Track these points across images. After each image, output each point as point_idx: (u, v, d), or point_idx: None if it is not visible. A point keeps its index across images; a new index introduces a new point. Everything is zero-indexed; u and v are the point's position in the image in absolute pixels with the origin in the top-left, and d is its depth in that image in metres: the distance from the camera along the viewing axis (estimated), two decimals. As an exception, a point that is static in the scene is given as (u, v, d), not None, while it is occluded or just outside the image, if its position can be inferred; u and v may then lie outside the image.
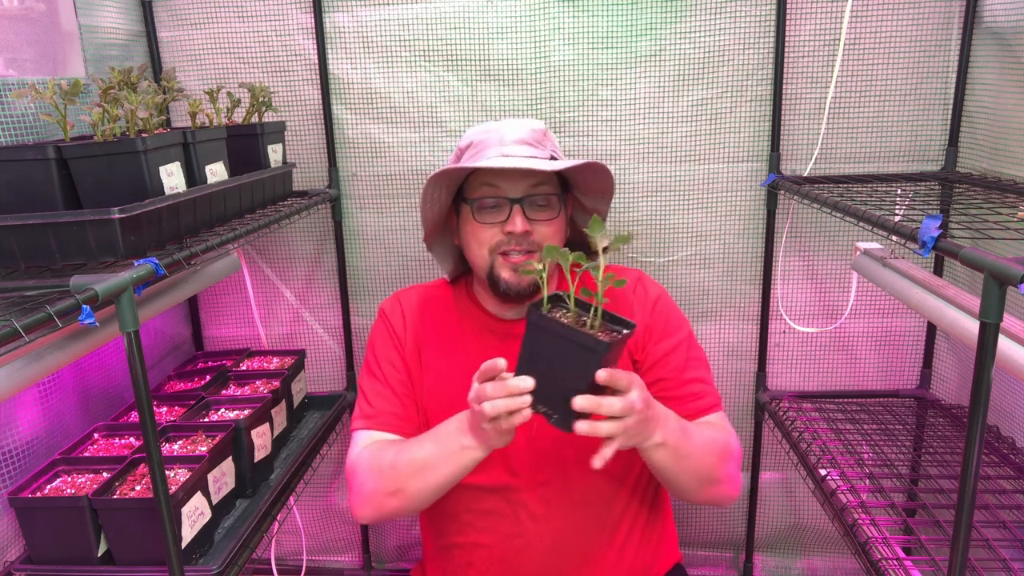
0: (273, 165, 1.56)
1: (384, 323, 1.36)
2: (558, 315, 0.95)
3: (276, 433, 1.57)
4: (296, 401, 1.74)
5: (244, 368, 1.74)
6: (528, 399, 0.94)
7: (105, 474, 1.24)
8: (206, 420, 1.45)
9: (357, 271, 1.88)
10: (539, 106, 1.72)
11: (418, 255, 1.85)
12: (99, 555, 1.18)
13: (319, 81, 1.74)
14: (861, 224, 1.19)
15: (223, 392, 1.60)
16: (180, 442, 1.35)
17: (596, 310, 0.94)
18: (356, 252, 1.86)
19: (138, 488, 1.19)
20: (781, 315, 1.81)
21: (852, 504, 1.31)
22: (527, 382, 0.94)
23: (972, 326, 1.07)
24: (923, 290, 1.26)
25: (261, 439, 1.47)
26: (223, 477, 1.34)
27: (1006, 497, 1.32)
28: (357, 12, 1.69)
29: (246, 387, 1.63)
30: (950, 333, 1.22)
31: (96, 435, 1.38)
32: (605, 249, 0.93)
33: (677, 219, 1.77)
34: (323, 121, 1.76)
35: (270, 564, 1.98)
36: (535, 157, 1.21)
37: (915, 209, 1.28)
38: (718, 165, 1.73)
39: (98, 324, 0.89)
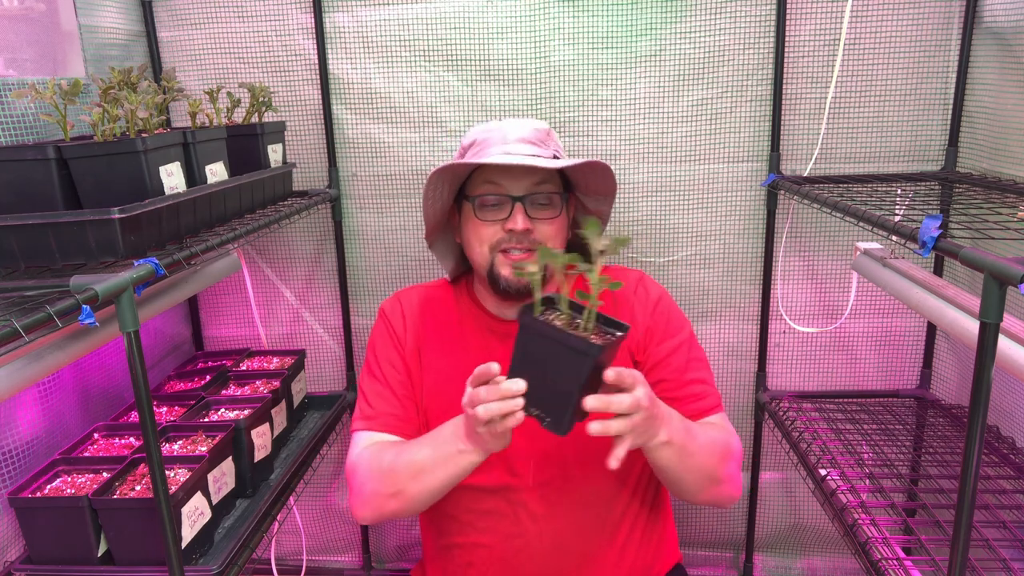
0: (273, 165, 1.56)
1: (384, 323, 1.36)
2: (552, 317, 0.94)
3: (276, 433, 1.57)
4: (296, 401, 1.74)
5: (244, 368, 1.74)
6: (520, 402, 0.94)
7: (105, 474, 1.24)
8: (206, 420, 1.45)
9: (357, 271, 1.88)
10: (539, 106, 1.72)
11: (418, 255, 1.85)
12: (99, 555, 1.18)
13: (319, 81, 1.74)
14: (861, 224, 1.19)
15: (223, 392, 1.60)
16: (180, 442, 1.35)
17: (589, 312, 0.93)
18: (356, 252, 1.86)
19: (138, 488, 1.19)
20: (781, 315, 1.81)
21: (852, 504, 1.31)
22: (519, 385, 0.94)
23: (972, 326, 1.07)
24: (923, 290, 1.26)
25: (261, 439, 1.47)
26: (223, 477, 1.34)
27: (1006, 497, 1.32)
28: (357, 12, 1.69)
29: (246, 387, 1.63)
30: (950, 333, 1.22)
31: (96, 435, 1.38)
32: (602, 252, 0.92)
33: (677, 219, 1.77)
34: (323, 121, 1.76)
35: (270, 564, 1.98)
36: (538, 156, 1.21)
37: (915, 209, 1.28)
38: (718, 165, 1.73)
39: (98, 324, 0.89)
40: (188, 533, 1.18)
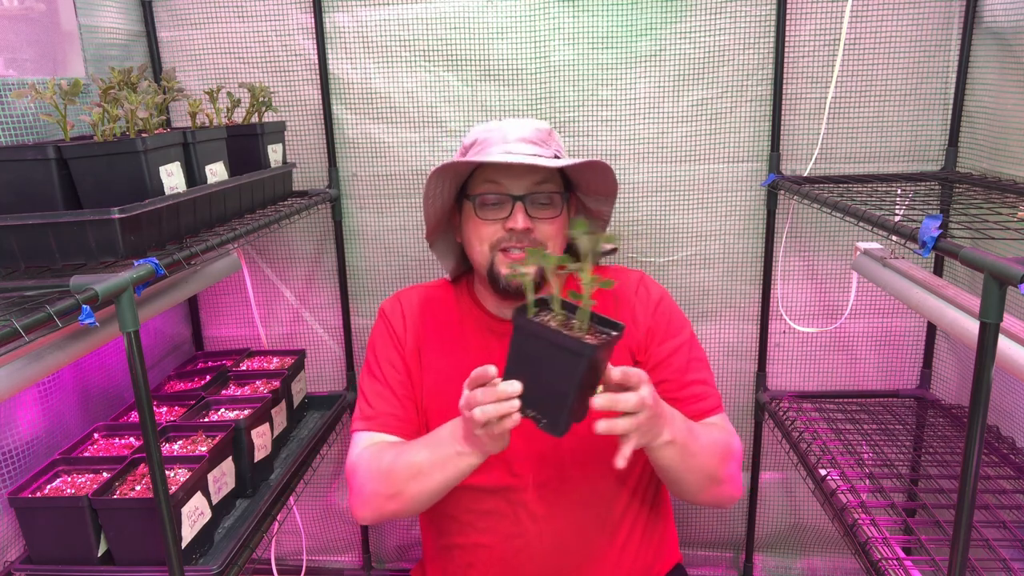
0: (273, 165, 1.56)
1: (384, 323, 1.36)
2: (546, 319, 0.94)
3: (276, 433, 1.57)
4: (296, 401, 1.74)
5: (244, 368, 1.74)
6: (516, 403, 0.94)
7: (105, 474, 1.24)
8: (206, 420, 1.45)
9: (357, 271, 1.88)
10: (539, 106, 1.72)
11: (418, 255, 1.85)
12: (99, 555, 1.18)
13: (319, 81, 1.74)
14: (861, 224, 1.19)
15: (223, 392, 1.60)
16: (180, 442, 1.35)
17: (583, 312, 0.92)
18: (356, 252, 1.86)
19: (138, 488, 1.19)
20: (781, 315, 1.81)
21: (852, 504, 1.31)
22: (514, 386, 0.94)
23: (972, 326, 1.07)
24: (923, 290, 1.26)
25: (261, 439, 1.47)
26: (223, 477, 1.34)
27: (1006, 497, 1.32)
28: (357, 12, 1.69)
29: (246, 387, 1.63)
30: (950, 333, 1.22)
31: (96, 435, 1.38)
32: (605, 253, 0.92)
33: (677, 219, 1.77)
34: (323, 121, 1.76)
35: (270, 564, 1.98)
36: (539, 156, 1.21)
37: (915, 209, 1.28)
38: (718, 165, 1.73)
39: (98, 324, 0.89)
40: (188, 533, 1.18)
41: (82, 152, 1.06)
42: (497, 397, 0.94)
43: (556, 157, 1.25)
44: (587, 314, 0.92)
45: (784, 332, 1.84)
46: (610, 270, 1.38)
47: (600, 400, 0.95)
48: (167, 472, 1.20)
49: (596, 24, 1.66)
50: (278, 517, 1.48)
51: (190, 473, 1.21)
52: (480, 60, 1.70)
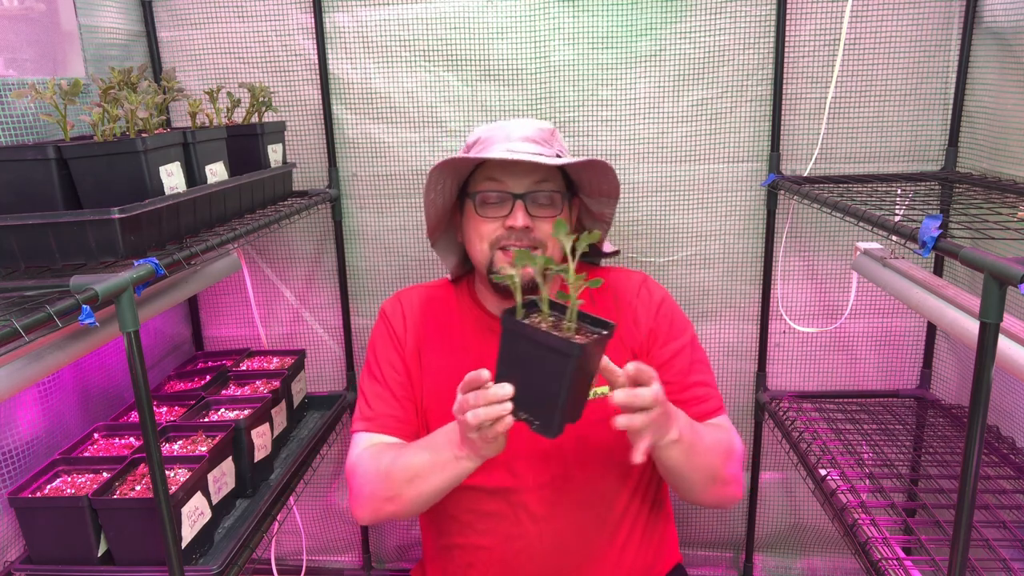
0: (273, 165, 1.56)
1: (385, 324, 1.36)
2: (537, 320, 0.94)
3: (276, 433, 1.57)
4: (296, 401, 1.74)
5: (244, 368, 1.74)
6: (508, 406, 0.94)
7: (105, 474, 1.24)
8: (206, 420, 1.45)
9: (357, 271, 1.88)
10: (539, 106, 1.72)
11: (418, 255, 1.85)
12: (99, 555, 1.18)
13: (319, 81, 1.74)
14: (861, 224, 1.19)
15: (223, 392, 1.60)
16: (180, 442, 1.35)
17: (571, 312, 0.92)
18: (356, 252, 1.86)
19: (138, 488, 1.19)
20: (781, 315, 1.81)
21: (852, 504, 1.31)
22: (505, 389, 0.94)
23: (972, 326, 1.07)
24: (923, 290, 1.26)
25: (261, 439, 1.47)
26: (223, 477, 1.34)
27: (1006, 497, 1.32)
28: (357, 12, 1.69)
29: (246, 387, 1.63)
30: (950, 333, 1.22)
31: (96, 435, 1.38)
32: (574, 251, 0.92)
33: (677, 219, 1.77)
34: (323, 121, 1.76)
35: (270, 564, 1.98)
36: (540, 155, 1.21)
37: (915, 209, 1.28)
38: (718, 165, 1.73)
39: (98, 324, 0.89)
40: (188, 533, 1.18)
41: (82, 152, 1.06)
42: (488, 400, 0.94)
43: (558, 157, 1.25)
44: (575, 314, 0.92)
45: (784, 332, 1.84)
46: (612, 271, 1.38)
47: (620, 396, 0.96)
48: (167, 472, 1.20)
49: (596, 24, 1.66)
50: (278, 517, 1.48)
51: (190, 473, 1.21)
52: (480, 60, 1.70)
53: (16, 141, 1.28)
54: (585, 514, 1.24)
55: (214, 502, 1.28)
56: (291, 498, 1.57)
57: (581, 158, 1.19)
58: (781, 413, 1.73)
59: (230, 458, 1.37)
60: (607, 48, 1.67)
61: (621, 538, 1.26)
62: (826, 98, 1.66)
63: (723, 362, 1.86)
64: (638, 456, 0.99)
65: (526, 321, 0.92)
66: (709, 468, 1.15)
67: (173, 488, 1.14)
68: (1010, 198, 1.29)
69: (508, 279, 0.95)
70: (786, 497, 1.96)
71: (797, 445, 1.57)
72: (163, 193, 1.13)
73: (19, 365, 1.01)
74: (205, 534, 1.25)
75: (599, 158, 1.19)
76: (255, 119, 1.55)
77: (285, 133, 1.66)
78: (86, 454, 1.33)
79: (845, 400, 1.81)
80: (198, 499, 1.22)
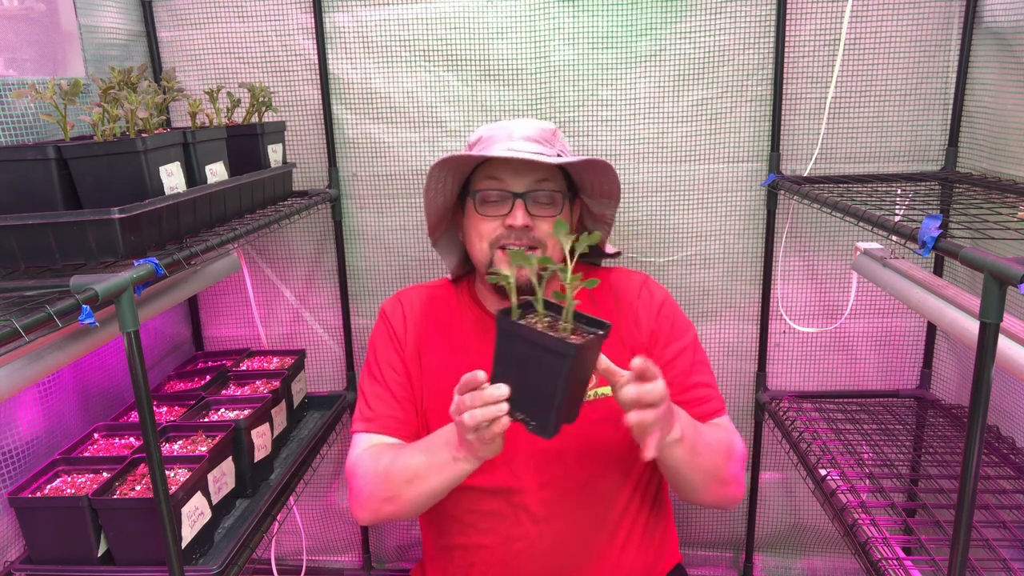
0: (273, 165, 1.56)
1: (385, 324, 1.36)
2: (533, 321, 0.93)
3: (276, 433, 1.57)
4: (296, 401, 1.74)
5: (244, 368, 1.74)
6: (504, 407, 0.94)
7: (105, 474, 1.24)
8: (206, 420, 1.45)
9: (357, 271, 1.88)
10: (539, 106, 1.72)
11: (418, 255, 1.85)
12: (99, 555, 1.18)
13: (319, 81, 1.74)
14: (861, 224, 1.19)
15: (223, 392, 1.60)
16: (180, 442, 1.35)
17: (567, 312, 0.91)
18: (356, 252, 1.86)
19: (138, 488, 1.19)
20: (781, 315, 1.81)
21: (852, 504, 1.31)
22: (501, 390, 0.93)
23: (972, 326, 1.07)
24: (923, 290, 1.26)
25: (261, 439, 1.47)
26: (223, 477, 1.34)
27: (1006, 497, 1.32)
28: (357, 12, 1.69)
29: (246, 387, 1.63)
30: (950, 333, 1.22)
31: (96, 435, 1.38)
32: (572, 251, 0.92)
33: (677, 219, 1.77)
34: (323, 121, 1.76)
35: (270, 564, 1.98)
36: (541, 154, 1.21)
37: (915, 209, 1.28)
38: (718, 165, 1.73)
39: (98, 324, 0.89)
40: (188, 533, 1.18)
41: (82, 152, 1.06)
42: (484, 401, 0.94)
43: (559, 157, 1.25)
44: (571, 313, 0.91)
45: (784, 332, 1.84)
46: (613, 272, 1.38)
47: (630, 391, 0.95)
48: (167, 472, 1.20)
49: (596, 24, 1.66)
50: (278, 517, 1.48)
51: (190, 473, 1.21)
52: (480, 60, 1.70)
53: (16, 141, 1.28)
54: (585, 514, 1.24)
55: (214, 502, 1.28)
56: (291, 498, 1.57)
57: (581, 157, 1.19)
58: (781, 413, 1.73)
59: (230, 458, 1.37)
60: (607, 48, 1.67)
61: (621, 538, 1.26)
62: (826, 98, 1.66)
63: (723, 362, 1.86)
64: (650, 452, 0.98)
65: (522, 322, 0.91)
66: (711, 468, 1.15)
67: (173, 488, 1.14)
68: (1010, 198, 1.29)
69: (503, 279, 0.94)
70: (786, 497, 1.96)
71: (797, 445, 1.57)
72: (163, 193, 1.13)
73: (19, 365, 1.01)
74: (205, 534, 1.25)
75: (600, 157, 1.19)
76: (255, 119, 1.55)
77: (285, 133, 1.66)
78: (86, 454, 1.33)
79: (845, 400, 1.81)
80: (198, 499, 1.22)
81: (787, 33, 1.63)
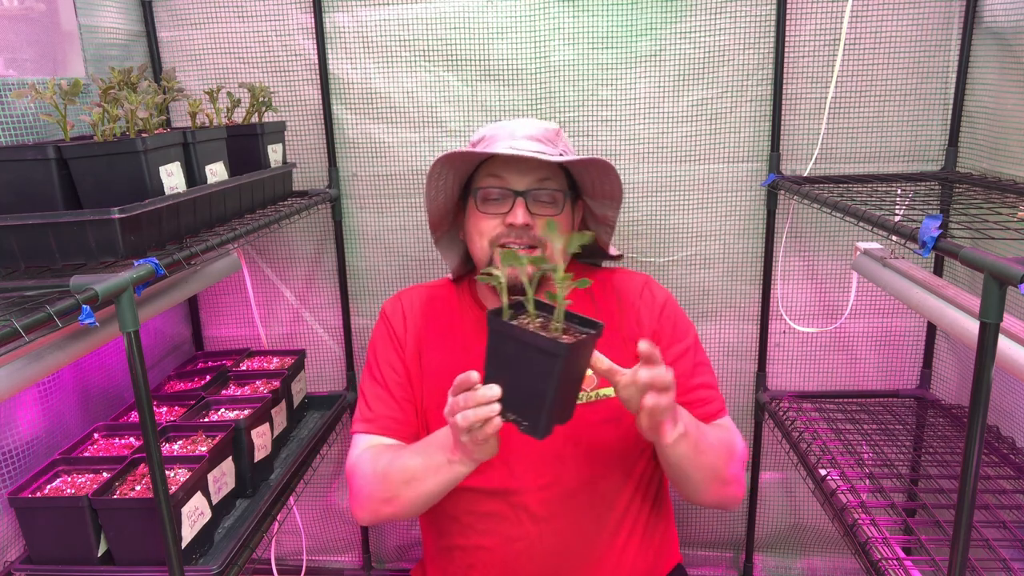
0: (273, 165, 1.56)
1: (385, 324, 1.36)
2: (524, 321, 0.93)
3: (276, 433, 1.57)
4: (296, 401, 1.74)
5: (244, 368, 1.74)
6: (496, 407, 0.93)
7: (105, 474, 1.24)
8: (206, 420, 1.45)
9: (357, 271, 1.88)
10: (539, 106, 1.72)
11: (418, 255, 1.85)
12: (99, 555, 1.18)
13: (319, 81, 1.74)
14: (861, 224, 1.19)
15: (223, 392, 1.60)
16: (180, 442, 1.35)
17: (558, 312, 0.91)
18: (356, 252, 1.86)
19: (138, 488, 1.19)
20: (781, 315, 1.81)
21: (852, 504, 1.31)
22: (493, 390, 0.93)
23: (972, 326, 1.07)
24: (923, 290, 1.26)
25: (261, 439, 1.47)
26: (223, 477, 1.34)
27: (1006, 497, 1.32)
28: (357, 12, 1.69)
29: (246, 387, 1.63)
30: (950, 333, 1.22)
31: (96, 435, 1.38)
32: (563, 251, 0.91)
33: (677, 219, 1.77)
34: (323, 121, 1.76)
35: (270, 564, 1.98)
36: (543, 153, 1.20)
37: (915, 209, 1.28)
38: (718, 165, 1.73)
39: (98, 324, 0.89)
40: (188, 533, 1.18)
41: (82, 152, 1.06)
42: (476, 402, 0.94)
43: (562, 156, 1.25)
44: (563, 313, 0.91)
45: (784, 332, 1.84)
46: (615, 273, 1.38)
47: (644, 374, 0.95)
48: (167, 472, 1.20)
49: (596, 24, 1.66)
50: (278, 517, 1.48)
51: (190, 473, 1.21)
52: (480, 60, 1.70)
53: (16, 141, 1.28)
54: (586, 515, 1.24)
55: (214, 502, 1.28)
56: (291, 498, 1.57)
57: (582, 156, 1.19)
58: (781, 413, 1.73)
59: (230, 458, 1.37)
60: (607, 48, 1.67)
61: (622, 539, 1.26)
62: (826, 98, 1.66)
63: (723, 362, 1.86)
64: (671, 435, 1.00)
65: (514, 322, 0.91)
66: (713, 466, 1.15)
67: (173, 488, 1.14)
68: (1010, 198, 1.29)
69: (494, 280, 0.94)
70: (786, 497, 1.96)
71: (797, 445, 1.57)
72: (163, 193, 1.13)
73: (19, 365, 1.01)
74: (205, 534, 1.25)
75: (601, 157, 1.19)
76: (255, 119, 1.55)
77: (285, 133, 1.66)
78: (86, 454, 1.33)
79: (845, 400, 1.81)
80: (198, 499, 1.22)
81: (787, 33, 1.63)
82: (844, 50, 1.62)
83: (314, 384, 1.96)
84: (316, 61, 1.73)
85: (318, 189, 1.79)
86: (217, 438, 1.34)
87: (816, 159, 1.70)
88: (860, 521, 1.26)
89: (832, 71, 1.64)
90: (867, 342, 1.83)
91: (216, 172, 1.31)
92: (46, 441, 1.35)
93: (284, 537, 2.08)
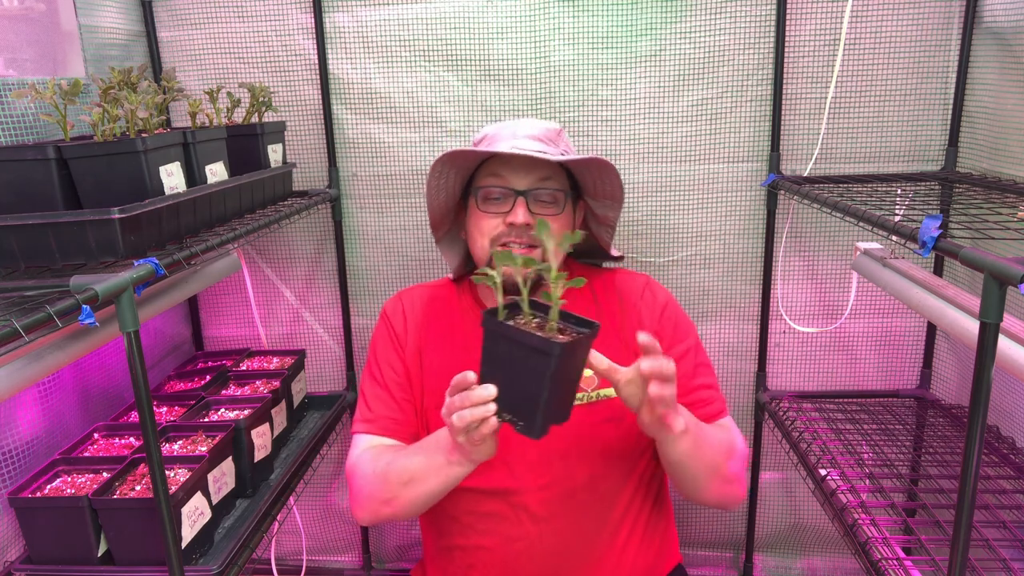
0: (273, 165, 1.56)
1: (385, 324, 1.36)
2: (520, 321, 0.92)
3: (276, 433, 1.57)
4: (296, 401, 1.74)
5: (244, 368, 1.74)
6: (492, 407, 0.93)
7: (105, 474, 1.24)
8: (206, 420, 1.45)
9: (357, 271, 1.88)
10: (539, 106, 1.72)
11: (418, 255, 1.85)
12: (99, 555, 1.18)
13: (319, 81, 1.74)
14: (861, 224, 1.19)
15: (223, 392, 1.60)
16: (180, 442, 1.35)
17: (553, 312, 0.91)
18: (356, 252, 1.86)
19: (138, 488, 1.19)
20: (781, 315, 1.81)
21: (852, 504, 1.31)
22: (488, 390, 0.93)
23: (972, 326, 1.07)
24: (923, 290, 1.26)
25: (261, 439, 1.47)
26: (223, 477, 1.34)
27: (1006, 497, 1.32)
28: (357, 12, 1.69)
29: (246, 387, 1.63)
30: (950, 333, 1.22)
31: (96, 435, 1.38)
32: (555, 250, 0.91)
33: (677, 219, 1.77)
34: (323, 121, 1.76)
35: (270, 564, 1.98)
36: (544, 152, 1.20)
37: (915, 209, 1.28)
38: (718, 165, 1.73)
39: (98, 324, 0.89)
40: (188, 533, 1.18)
41: (82, 152, 1.06)
42: (472, 402, 0.94)
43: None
44: (557, 313, 0.91)
45: (784, 332, 1.84)
46: (616, 274, 1.38)
47: (647, 364, 0.95)
48: (167, 472, 1.20)
49: (596, 24, 1.66)
50: (278, 517, 1.48)
51: (190, 473, 1.21)
52: (480, 60, 1.70)
53: (16, 141, 1.28)
54: (586, 515, 1.24)
55: (214, 502, 1.28)
56: (291, 498, 1.57)
57: (582, 156, 1.19)
58: (781, 413, 1.73)
59: (230, 458, 1.37)
60: (607, 48, 1.67)
61: (622, 539, 1.26)
62: (826, 98, 1.66)
63: (723, 362, 1.86)
64: (678, 424, 0.99)
65: (510, 322, 0.91)
66: (714, 462, 1.15)
67: (173, 488, 1.14)
68: (1010, 198, 1.29)
69: (489, 280, 0.94)
70: (786, 497, 1.96)
71: (797, 445, 1.57)
72: (163, 193, 1.13)
73: (19, 365, 1.01)
74: (205, 534, 1.25)
75: (602, 157, 1.19)
76: (255, 119, 1.55)
77: (285, 133, 1.66)
78: (86, 454, 1.33)
79: (845, 400, 1.81)
80: (198, 499, 1.22)
81: (787, 33, 1.63)
82: (844, 50, 1.62)
83: (314, 384, 1.96)
84: (316, 61, 1.73)
85: (318, 189, 1.79)
86: (217, 438, 1.34)
87: (816, 159, 1.70)
88: (860, 521, 1.26)
89: (832, 71, 1.64)
90: (867, 342, 1.83)
91: (216, 172, 1.31)
92: (46, 441, 1.35)
93: (284, 537, 2.08)
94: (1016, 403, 1.51)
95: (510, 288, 1.21)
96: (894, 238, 1.08)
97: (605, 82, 1.69)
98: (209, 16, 1.73)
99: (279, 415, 1.60)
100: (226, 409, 1.50)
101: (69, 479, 1.24)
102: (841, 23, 1.61)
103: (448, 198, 1.29)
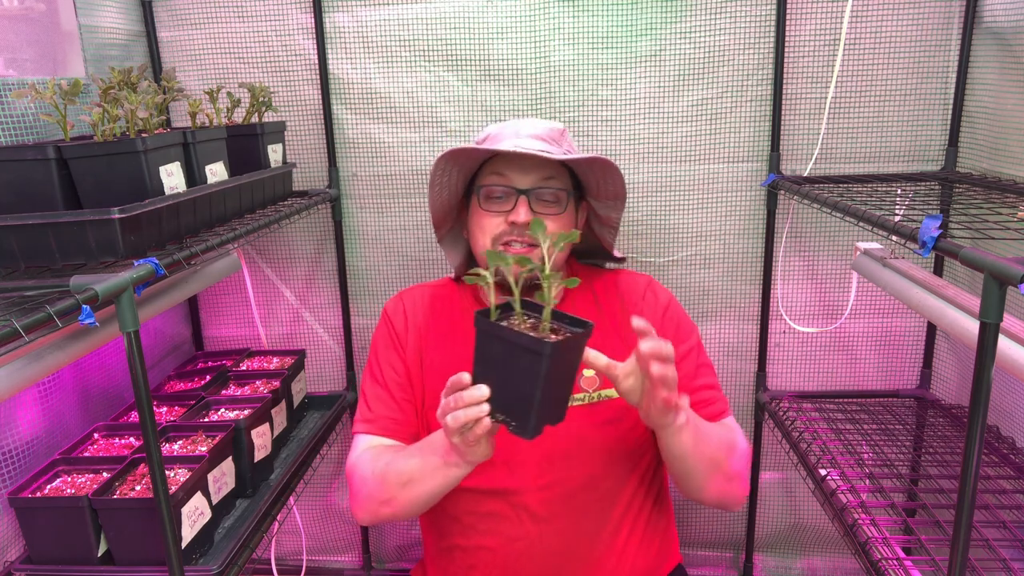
0: (273, 165, 1.56)
1: (386, 324, 1.36)
2: (514, 321, 0.92)
3: (276, 433, 1.57)
4: (296, 401, 1.74)
5: (244, 368, 1.74)
6: (485, 408, 0.93)
7: (105, 474, 1.24)
8: (206, 420, 1.45)
9: (357, 271, 1.88)
10: (539, 106, 1.72)
11: (418, 255, 1.85)
12: (99, 555, 1.18)
13: (319, 81, 1.74)
14: (861, 224, 1.19)
15: (223, 392, 1.60)
16: (180, 442, 1.35)
17: (546, 312, 0.90)
18: (356, 252, 1.86)
19: (138, 488, 1.19)
20: (781, 315, 1.81)
21: (852, 504, 1.31)
22: (481, 391, 0.93)
23: (972, 326, 1.07)
24: (923, 290, 1.26)
25: (261, 439, 1.47)
26: (223, 477, 1.34)
27: (1006, 497, 1.32)
28: (357, 12, 1.69)
29: (246, 387, 1.63)
30: (950, 333, 1.22)
31: (96, 435, 1.38)
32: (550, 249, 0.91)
33: (677, 219, 1.77)
34: (323, 121, 1.76)
35: (270, 564, 1.98)
36: (546, 152, 1.20)
37: (915, 209, 1.28)
38: (718, 165, 1.73)
39: (98, 324, 0.89)
40: (188, 533, 1.18)
41: (82, 152, 1.05)
42: (466, 403, 0.94)
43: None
44: (550, 313, 0.90)
45: (784, 332, 1.84)
46: (618, 274, 1.38)
47: (646, 345, 0.95)
48: (167, 472, 1.20)
49: (596, 24, 1.66)
50: (278, 517, 1.48)
51: (190, 473, 1.21)
52: (480, 60, 1.70)
53: (16, 141, 1.28)
54: (586, 515, 1.24)
55: (214, 502, 1.28)
56: (291, 498, 1.57)
57: (583, 155, 1.19)
58: (781, 413, 1.73)
59: (230, 458, 1.37)
60: (607, 48, 1.67)
61: (622, 539, 1.26)
62: (826, 98, 1.66)
63: (723, 362, 1.87)
64: (684, 403, 1.01)
65: (503, 323, 0.91)
66: (715, 457, 1.15)
67: (173, 488, 1.14)
68: (1010, 198, 1.29)
69: (482, 280, 0.94)
70: (786, 497, 1.96)
71: (797, 445, 1.57)
72: (163, 193, 1.13)
73: (19, 365, 1.01)
74: (205, 534, 1.25)
75: (605, 156, 1.19)
76: (255, 119, 1.55)
77: (285, 133, 1.66)
78: (86, 454, 1.33)
79: (845, 400, 1.81)
80: (198, 499, 1.22)
81: (787, 33, 1.63)
82: (844, 50, 1.62)
83: (314, 384, 1.96)
84: (316, 61, 1.73)
85: (318, 189, 1.79)
86: (217, 438, 1.34)
87: (816, 159, 1.70)
88: (860, 521, 1.26)
89: (832, 71, 1.64)
90: (867, 342, 1.83)
91: (216, 172, 1.31)
92: (46, 441, 1.35)
93: (284, 537, 2.08)
94: (1016, 403, 1.51)
95: (509, 288, 1.22)
96: (894, 238, 1.08)
97: (605, 82, 1.69)
98: (209, 16, 1.73)
99: (279, 415, 1.60)
100: (226, 409, 1.50)
101: (69, 479, 1.24)
102: (841, 23, 1.61)
103: (451, 196, 1.29)
